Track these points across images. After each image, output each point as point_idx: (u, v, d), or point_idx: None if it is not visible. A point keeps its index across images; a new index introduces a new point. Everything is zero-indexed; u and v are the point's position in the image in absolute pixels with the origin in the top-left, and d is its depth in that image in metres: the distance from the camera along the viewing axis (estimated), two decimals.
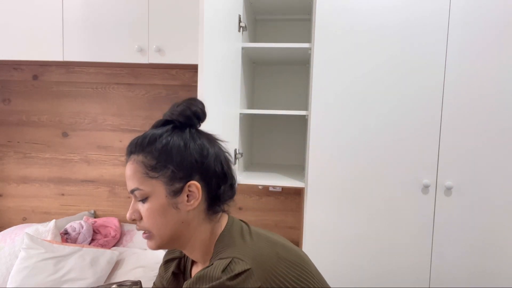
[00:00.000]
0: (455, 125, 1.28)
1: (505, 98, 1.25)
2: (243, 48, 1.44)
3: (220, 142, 0.73)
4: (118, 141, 1.99)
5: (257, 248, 0.64)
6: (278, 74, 1.85)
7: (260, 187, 1.92)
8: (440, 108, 1.28)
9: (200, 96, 1.03)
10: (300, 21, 1.81)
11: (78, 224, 1.73)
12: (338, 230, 1.35)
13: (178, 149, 0.65)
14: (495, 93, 1.25)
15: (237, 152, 1.42)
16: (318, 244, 1.37)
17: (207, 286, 0.57)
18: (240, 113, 1.47)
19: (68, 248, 1.54)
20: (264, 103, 1.87)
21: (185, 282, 0.61)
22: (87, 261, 1.51)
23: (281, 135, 1.88)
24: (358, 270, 1.36)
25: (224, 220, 0.72)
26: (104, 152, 2.00)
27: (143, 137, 0.67)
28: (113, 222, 1.87)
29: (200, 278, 0.58)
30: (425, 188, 1.30)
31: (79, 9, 1.63)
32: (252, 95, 1.83)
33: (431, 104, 1.28)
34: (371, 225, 1.34)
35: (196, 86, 1.92)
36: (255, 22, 1.82)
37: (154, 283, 0.83)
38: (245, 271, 0.58)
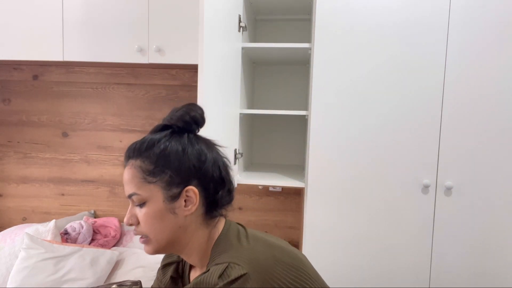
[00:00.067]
0: (455, 125, 1.28)
1: (505, 98, 1.25)
2: (243, 48, 1.44)
3: (219, 147, 0.72)
4: (118, 141, 1.99)
5: (254, 252, 0.64)
6: (278, 74, 1.85)
7: (260, 187, 1.92)
8: (440, 108, 1.28)
9: (200, 96, 1.03)
10: (300, 21, 1.81)
11: (78, 224, 1.73)
12: (338, 230, 1.35)
13: (176, 154, 0.65)
14: (495, 93, 1.25)
15: (237, 152, 1.42)
16: (318, 244, 1.37)
17: None
18: (240, 113, 1.47)
19: (68, 248, 1.54)
20: (264, 103, 1.87)
21: None
22: (87, 261, 1.51)
23: (281, 135, 1.88)
24: (358, 270, 1.36)
25: (221, 224, 0.71)
26: (104, 152, 2.00)
27: (142, 142, 0.67)
28: (113, 222, 1.87)
29: (197, 284, 0.58)
30: (425, 188, 1.30)
31: (79, 9, 1.63)
32: (252, 95, 1.83)
33: (431, 104, 1.28)
34: (371, 225, 1.34)
35: (196, 86, 1.92)
36: (255, 22, 1.82)
37: (152, 287, 0.83)
38: (242, 276, 0.58)
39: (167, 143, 0.66)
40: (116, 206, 2.02)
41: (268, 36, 1.84)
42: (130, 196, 0.66)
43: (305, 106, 1.80)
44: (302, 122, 1.86)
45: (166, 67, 1.89)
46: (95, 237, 1.77)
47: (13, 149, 2.05)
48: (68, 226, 1.72)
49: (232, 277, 0.57)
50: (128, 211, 0.68)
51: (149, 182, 0.65)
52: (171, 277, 0.79)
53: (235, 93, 1.39)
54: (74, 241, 1.68)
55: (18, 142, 2.05)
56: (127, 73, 1.95)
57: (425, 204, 1.31)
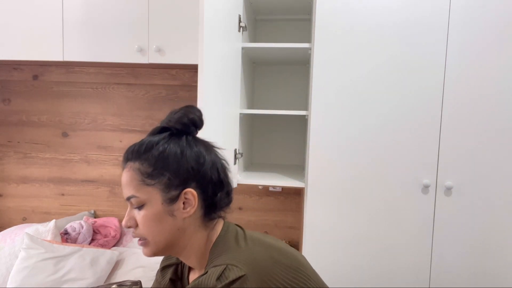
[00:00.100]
0: (455, 125, 1.28)
1: (505, 98, 1.25)
2: (243, 48, 1.44)
3: (217, 150, 0.72)
4: (118, 141, 1.99)
5: (252, 253, 0.64)
6: (278, 74, 1.85)
7: (260, 187, 1.92)
8: (440, 108, 1.28)
9: (200, 96, 1.03)
10: (300, 21, 1.81)
11: (78, 224, 1.73)
12: (338, 230, 1.35)
13: (175, 157, 0.65)
14: (495, 93, 1.25)
15: (237, 152, 1.42)
16: (318, 244, 1.37)
17: None
18: (240, 113, 1.47)
19: (68, 248, 1.54)
20: (264, 103, 1.87)
21: None
22: (87, 261, 1.51)
23: (281, 135, 1.88)
24: (358, 270, 1.36)
25: (219, 226, 0.71)
26: (104, 152, 2.00)
27: (140, 144, 0.67)
28: (113, 222, 1.87)
29: (196, 286, 0.58)
30: (425, 188, 1.30)
31: (79, 9, 1.63)
32: (252, 95, 1.83)
33: (431, 104, 1.28)
34: (371, 225, 1.34)
35: (196, 86, 1.92)
36: (255, 22, 1.82)
37: None
38: (239, 277, 0.58)
39: (166, 146, 0.66)
40: (116, 206, 2.02)
41: (268, 36, 1.84)
42: (128, 199, 0.66)
43: (305, 106, 1.80)
44: (302, 122, 1.86)
45: (166, 67, 1.89)
46: (95, 237, 1.78)
47: (13, 149, 2.05)
48: (68, 226, 1.72)
49: (230, 278, 0.57)
50: (126, 213, 0.67)
51: (148, 185, 0.65)
52: (170, 279, 0.79)
53: (235, 93, 1.39)
54: (74, 241, 1.68)
55: (18, 142, 2.05)
56: (127, 73, 1.95)
57: (425, 204, 1.31)
